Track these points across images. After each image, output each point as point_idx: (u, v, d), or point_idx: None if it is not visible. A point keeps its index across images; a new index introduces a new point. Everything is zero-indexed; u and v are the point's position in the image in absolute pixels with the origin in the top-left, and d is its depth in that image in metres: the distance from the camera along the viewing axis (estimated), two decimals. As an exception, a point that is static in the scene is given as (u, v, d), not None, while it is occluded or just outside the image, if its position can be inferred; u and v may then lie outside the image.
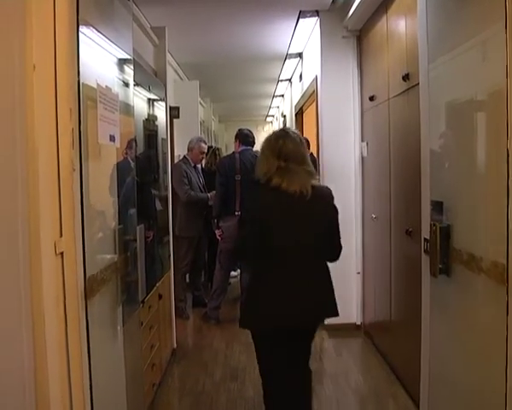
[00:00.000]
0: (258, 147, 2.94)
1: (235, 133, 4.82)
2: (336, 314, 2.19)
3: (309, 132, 6.81)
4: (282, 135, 2.18)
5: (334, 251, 2.27)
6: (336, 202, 2.01)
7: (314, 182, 2.17)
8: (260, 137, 18.65)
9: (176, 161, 5.43)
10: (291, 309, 2.06)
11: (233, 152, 4.76)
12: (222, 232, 4.46)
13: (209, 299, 4.79)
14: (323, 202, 2.20)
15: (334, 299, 2.21)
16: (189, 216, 4.84)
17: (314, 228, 2.16)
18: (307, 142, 6.47)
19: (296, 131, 2.24)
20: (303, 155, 2.16)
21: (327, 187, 2.28)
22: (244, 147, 4.61)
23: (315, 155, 5.57)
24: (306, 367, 2.27)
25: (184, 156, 5.04)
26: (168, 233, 3.83)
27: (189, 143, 5.02)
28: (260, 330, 2.12)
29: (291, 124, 8.08)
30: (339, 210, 2.28)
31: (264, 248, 2.09)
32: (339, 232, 2.27)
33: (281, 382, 2.14)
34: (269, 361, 2.15)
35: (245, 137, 4.70)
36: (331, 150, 4.43)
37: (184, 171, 4.81)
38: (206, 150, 5.08)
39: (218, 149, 5.69)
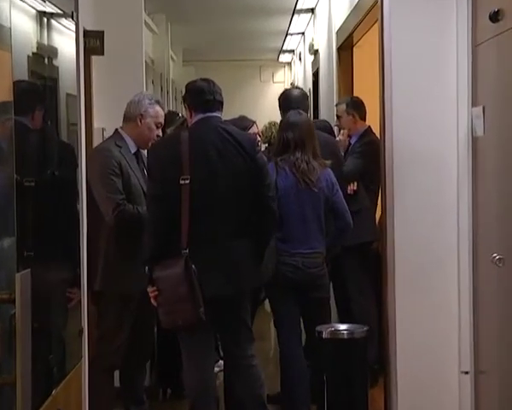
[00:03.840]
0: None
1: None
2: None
3: (364, 88, 6.78)
4: None
5: None
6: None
7: None
8: (269, 93, 18.80)
9: (97, 140, 5.42)
10: None
11: (180, 126, 4.85)
12: (158, 291, 4.44)
13: None
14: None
15: None
16: (122, 254, 4.87)
17: None
18: (360, 106, 6.55)
19: None
20: None
21: None
22: (200, 115, 4.56)
23: (375, 133, 5.55)
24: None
25: (116, 132, 5.01)
26: (78, 286, 3.83)
27: (131, 105, 4.97)
28: None
29: (329, 70, 8.07)
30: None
31: None
32: None
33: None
34: None
35: (197, 96, 4.58)
36: (409, 124, 4.46)
37: (116, 162, 4.78)
38: (162, 122, 5.05)
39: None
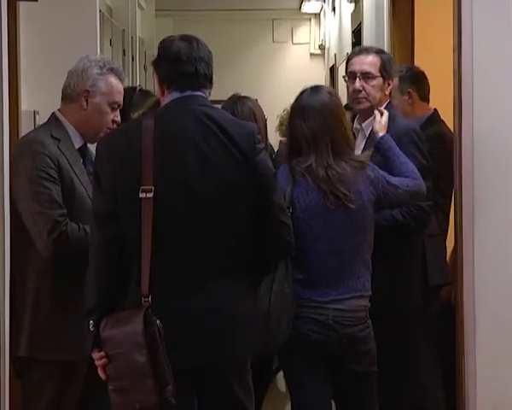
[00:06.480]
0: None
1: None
2: None
3: (430, 54, 6.80)
4: None
5: None
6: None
7: None
8: (286, 59, 18.97)
9: (26, 130, 5.45)
10: None
11: (152, 109, 4.97)
12: (107, 357, 4.41)
13: None
14: None
15: None
16: (60, 301, 4.94)
17: None
18: (422, 80, 6.60)
19: None
20: None
21: None
22: (176, 94, 4.54)
23: (445, 121, 5.57)
24: None
25: (53, 118, 5.05)
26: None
27: (72, 78, 5.01)
28: None
29: (377, 27, 8.12)
30: None
31: None
32: None
33: None
34: None
35: (171, 64, 4.55)
36: (498, 108, 4.55)
37: (52, 161, 4.81)
38: (120, 100, 5.09)
39: None
